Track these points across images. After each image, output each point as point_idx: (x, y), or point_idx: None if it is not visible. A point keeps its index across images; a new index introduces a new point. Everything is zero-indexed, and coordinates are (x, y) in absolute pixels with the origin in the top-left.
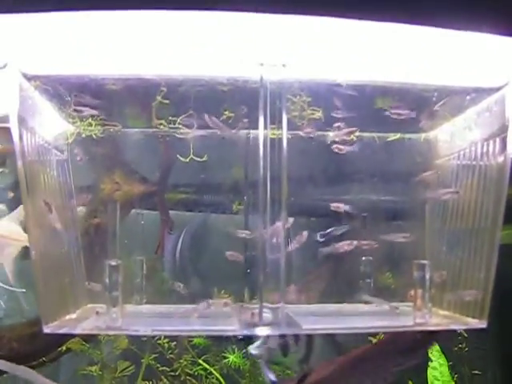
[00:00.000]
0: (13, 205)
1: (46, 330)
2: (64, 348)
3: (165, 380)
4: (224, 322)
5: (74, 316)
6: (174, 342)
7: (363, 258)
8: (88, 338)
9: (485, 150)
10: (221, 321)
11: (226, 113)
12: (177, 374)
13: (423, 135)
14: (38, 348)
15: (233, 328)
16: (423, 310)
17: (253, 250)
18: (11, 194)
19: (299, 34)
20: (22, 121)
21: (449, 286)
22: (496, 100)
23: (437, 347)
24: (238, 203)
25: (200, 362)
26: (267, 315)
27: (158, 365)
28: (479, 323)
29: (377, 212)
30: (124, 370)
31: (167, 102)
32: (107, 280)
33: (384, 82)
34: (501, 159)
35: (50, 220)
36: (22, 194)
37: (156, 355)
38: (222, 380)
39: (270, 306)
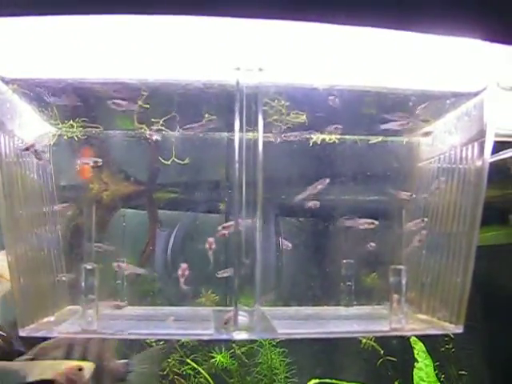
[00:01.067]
0: None
1: (22, 333)
2: None
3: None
4: (200, 325)
5: (52, 318)
6: (162, 342)
7: (343, 261)
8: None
9: (464, 154)
10: (197, 324)
11: (206, 116)
12: (165, 373)
13: (404, 139)
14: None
15: (209, 332)
16: (399, 315)
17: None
18: None
19: (276, 39)
20: (0, 124)
21: (426, 289)
22: (475, 105)
23: (423, 348)
24: (218, 204)
25: (188, 361)
26: (244, 318)
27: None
28: (456, 328)
29: (355, 213)
30: None
31: (147, 106)
32: (83, 283)
33: (363, 86)
34: (479, 163)
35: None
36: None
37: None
38: (209, 379)
39: (246, 309)
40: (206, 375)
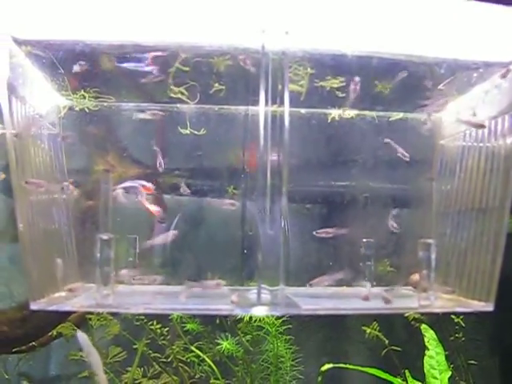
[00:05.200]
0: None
1: (33, 306)
2: (55, 333)
3: (156, 367)
4: (219, 302)
5: (63, 294)
6: (167, 328)
7: (364, 240)
8: (79, 323)
9: (493, 128)
10: (216, 301)
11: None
12: (169, 360)
13: (429, 115)
14: (28, 332)
15: (228, 307)
16: (428, 292)
17: (251, 231)
18: (2, 176)
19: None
20: (12, 89)
21: (454, 268)
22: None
23: (434, 336)
24: (233, 187)
25: (193, 348)
26: (266, 296)
27: (150, 351)
28: (485, 306)
29: (381, 195)
30: (115, 355)
31: (168, 71)
32: (98, 255)
33: (390, 54)
34: (510, 139)
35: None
36: (11, 165)
37: (148, 341)
38: (214, 367)
39: (269, 288)
40: (211, 362)
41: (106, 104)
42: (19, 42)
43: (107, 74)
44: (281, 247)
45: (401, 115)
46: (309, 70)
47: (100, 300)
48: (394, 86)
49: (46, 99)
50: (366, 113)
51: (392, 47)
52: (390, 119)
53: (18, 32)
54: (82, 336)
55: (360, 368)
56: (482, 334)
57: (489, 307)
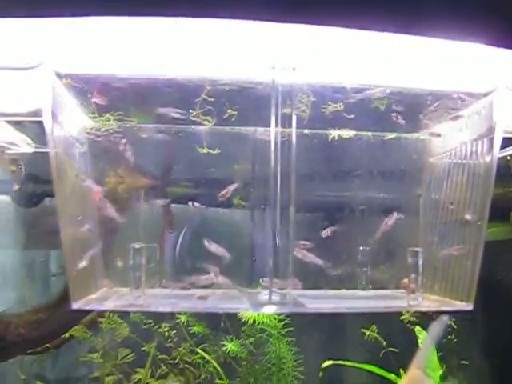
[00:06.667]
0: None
1: (75, 306)
2: (67, 335)
3: (163, 367)
4: (235, 301)
5: (94, 296)
6: (174, 331)
7: (360, 248)
8: (91, 326)
9: (474, 149)
10: (232, 301)
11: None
12: (175, 362)
13: (417, 135)
14: (43, 334)
15: (244, 306)
16: (416, 294)
17: (259, 239)
18: (17, 187)
19: (308, 41)
20: (53, 116)
21: (439, 273)
22: (484, 104)
23: (425, 334)
24: (239, 198)
25: (198, 350)
26: (276, 298)
27: (158, 353)
28: (466, 306)
29: (375, 207)
30: (124, 357)
31: (186, 101)
32: (131, 262)
33: (385, 86)
34: (488, 158)
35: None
36: (54, 181)
37: (155, 344)
38: (219, 368)
39: (278, 291)
40: (215, 364)
41: (128, 125)
42: (60, 76)
43: (133, 101)
44: (290, 254)
45: (394, 135)
46: (311, 98)
47: (133, 301)
48: (388, 111)
49: (76, 122)
50: (363, 133)
51: (385, 80)
52: (385, 138)
53: (59, 67)
54: None
55: (357, 365)
56: (474, 336)
57: (469, 307)
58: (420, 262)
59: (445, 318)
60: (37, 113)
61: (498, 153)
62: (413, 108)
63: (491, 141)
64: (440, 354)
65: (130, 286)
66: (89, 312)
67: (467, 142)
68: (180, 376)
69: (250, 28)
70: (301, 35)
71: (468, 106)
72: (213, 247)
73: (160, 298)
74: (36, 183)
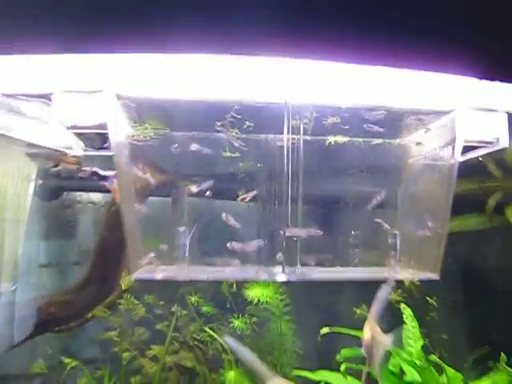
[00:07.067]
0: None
1: (135, 276)
2: (89, 315)
3: (176, 344)
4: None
5: (146, 269)
6: (185, 311)
7: (352, 232)
8: (110, 307)
9: (442, 154)
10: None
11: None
12: (186, 339)
13: (399, 141)
14: (69, 314)
15: (265, 276)
16: (395, 267)
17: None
18: (41, 182)
19: (311, 73)
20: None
21: (415, 250)
22: (449, 119)
23: (411, 313)
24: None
25: (206, 329)
26: (287, 270)
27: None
28: (434, 276)
29: (363, 199)
30: (140, 335)
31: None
32: (178, 242)
33: (371, 105)
34: (452, 161)
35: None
36: (117, 179)
37: (167, 322)
38: (225, 345)
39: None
40: (222, 341)
41: (161, 133)
42: (119, 98)
43: (170, 116)
44: (297, 239)
45: (380, 141)
46: (314, 113)
47: (179, 272)
48: (375, 123)
49: (123, 130)
50: (355, 139)
51: (372, 101)
52: (372, 143)
53: (117, 90)
54: (230, 340)
55: (352, 332)
56: (454, 315)
57: (436, 277)
58: (398, 242)
59: (390, 281)
60: (102, 125)
61: (459, 157)
62: (394, 121)
63: (454, 148)
64: (423, 329)
65: (178, 261)
66: (108, 294)
67: (437, 148)
68: (190, 352)
69: (269, 62)
70: (307, 68)
71: (437, 120)
72: (230, 219)
73: (196, 272)
74: (57, 179)
